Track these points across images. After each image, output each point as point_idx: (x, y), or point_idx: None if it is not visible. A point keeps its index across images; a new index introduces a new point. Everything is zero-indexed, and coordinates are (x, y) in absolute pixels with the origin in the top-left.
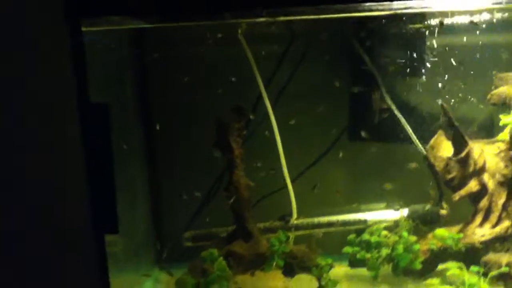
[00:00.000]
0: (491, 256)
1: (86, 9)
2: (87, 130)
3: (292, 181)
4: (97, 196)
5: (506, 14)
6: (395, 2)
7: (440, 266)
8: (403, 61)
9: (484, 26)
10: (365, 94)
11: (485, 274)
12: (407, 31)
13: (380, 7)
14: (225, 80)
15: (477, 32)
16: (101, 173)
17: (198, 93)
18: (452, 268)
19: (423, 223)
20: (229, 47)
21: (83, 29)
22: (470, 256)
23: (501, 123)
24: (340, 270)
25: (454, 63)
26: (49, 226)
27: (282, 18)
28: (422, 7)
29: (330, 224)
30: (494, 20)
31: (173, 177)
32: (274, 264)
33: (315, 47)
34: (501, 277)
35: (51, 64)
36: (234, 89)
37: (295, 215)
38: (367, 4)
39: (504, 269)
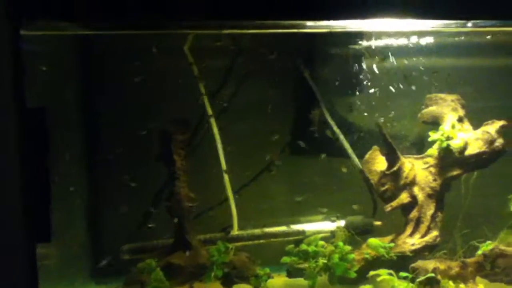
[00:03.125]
0: (419, 263)
1: (27, 12)
2: (24, 134)
3: (234, 194)
4: (31, 203)
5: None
6: (336, 22)
7: (371, 273)
8: (343, 79)
9: (419, 49)
10: (306, 109)
11: (413, 280)
12: (348, 51)
13: (320, 26)
14: (170, 92)
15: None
16: (36, 178)
17: (142, 104)
18: (382, 274)
19: (358, 234)
20: (175, 59)
21: (23, 32)
22: (401, 264)
23: (429, 139)
24: (279, 280)
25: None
26: None
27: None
28: (360, 28)
29: (270, 235)
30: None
31: (112, 188)
32: (213, 274)
33: (259, 62)
34: (428, 282)
35: None
36: (178, 101)
37: (236, 226)
38: (309, 23)
39: (430, 274)
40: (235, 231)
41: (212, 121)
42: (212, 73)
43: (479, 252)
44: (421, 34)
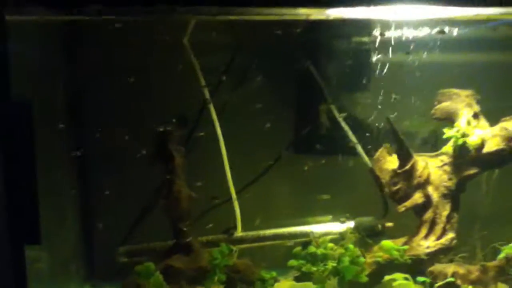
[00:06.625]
0: (437, 267)
1: None
2: (6, 131)
3: (237, 194)
4: (17, 202)
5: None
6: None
7: (387, 277)
8: (349, 73)
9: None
10: (312, 106)
11: (431, 285)
12: (355, 43)
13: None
14: (169, 86)
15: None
16: (21, 177)
17: (138, 99)
18: (398, 279)
19: (369, 236)
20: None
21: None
22: (416, 268)
23: (444, 136)
24: (285, 284)
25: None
26: None
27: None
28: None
29: (275, 237)
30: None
31: (108, 188)
32: (216, 278)
33: (261, 58)
34: (447, 287)
35: None
36: (177, 97)
37: (239, 228)
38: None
39: (450, 279)
40: (239, 233)
41: (214, 117)
42: (210, 67)
43: (501, 255)
44: (435, 23)
